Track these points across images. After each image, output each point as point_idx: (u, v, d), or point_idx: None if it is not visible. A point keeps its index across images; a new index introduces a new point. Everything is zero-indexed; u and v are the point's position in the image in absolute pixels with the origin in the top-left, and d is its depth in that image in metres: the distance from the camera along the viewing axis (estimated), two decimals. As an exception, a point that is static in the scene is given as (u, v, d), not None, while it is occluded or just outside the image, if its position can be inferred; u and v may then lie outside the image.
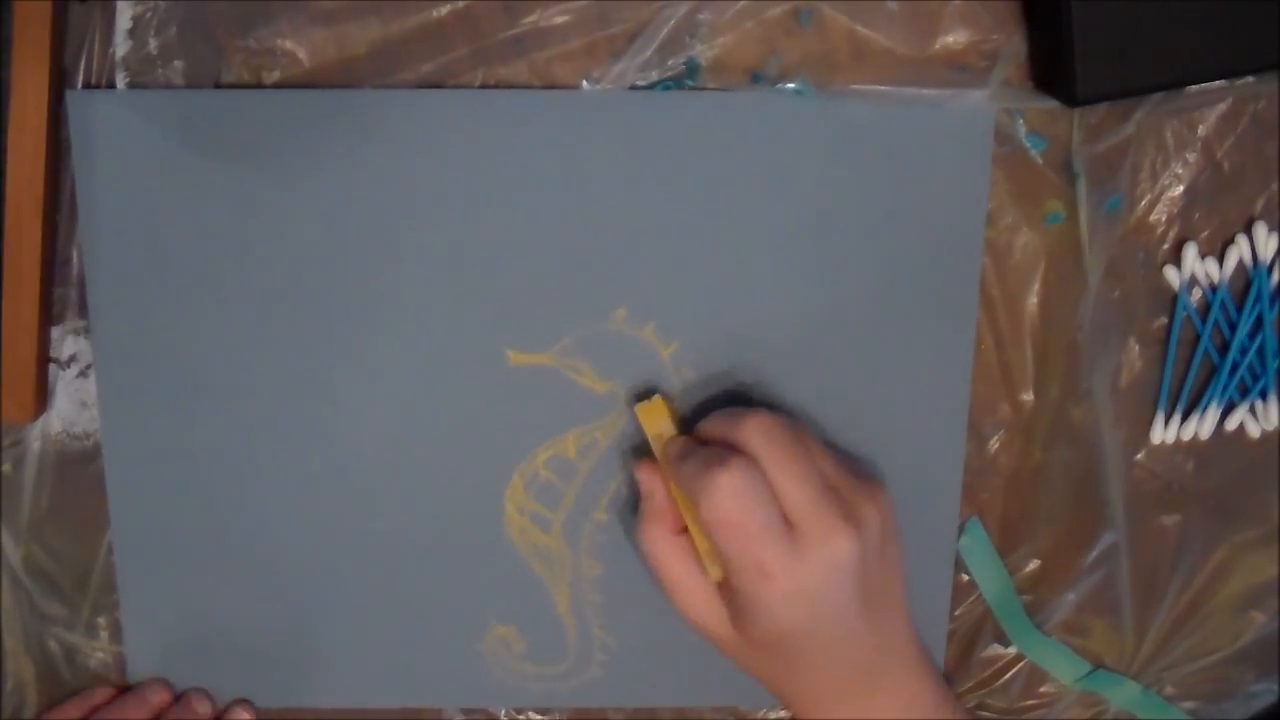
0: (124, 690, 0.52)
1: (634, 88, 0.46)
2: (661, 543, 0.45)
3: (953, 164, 0.47)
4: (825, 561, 0.41)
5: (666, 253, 0.48)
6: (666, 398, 0.48)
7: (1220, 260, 0.49)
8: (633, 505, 0.50)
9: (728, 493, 0.41)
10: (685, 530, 0.45)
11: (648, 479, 0.46)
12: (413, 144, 0.46)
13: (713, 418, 0.44)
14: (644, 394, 0.48)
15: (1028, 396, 0.50)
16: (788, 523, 0.41)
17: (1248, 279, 0.49)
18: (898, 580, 0.45)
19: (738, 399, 0.49)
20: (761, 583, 0.41)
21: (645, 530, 0.45)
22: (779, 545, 0.41)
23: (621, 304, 0.48)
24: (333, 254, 0.47)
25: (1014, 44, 0.47)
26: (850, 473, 0.44)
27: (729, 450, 0.42)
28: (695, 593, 0.45)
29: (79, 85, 0.46)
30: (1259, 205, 0.49)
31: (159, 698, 0.51)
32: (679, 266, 0.48)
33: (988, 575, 0.52)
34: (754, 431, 0.42)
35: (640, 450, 0.49)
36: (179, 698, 0.52)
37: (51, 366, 0.49)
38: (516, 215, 0.47)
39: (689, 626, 0.46)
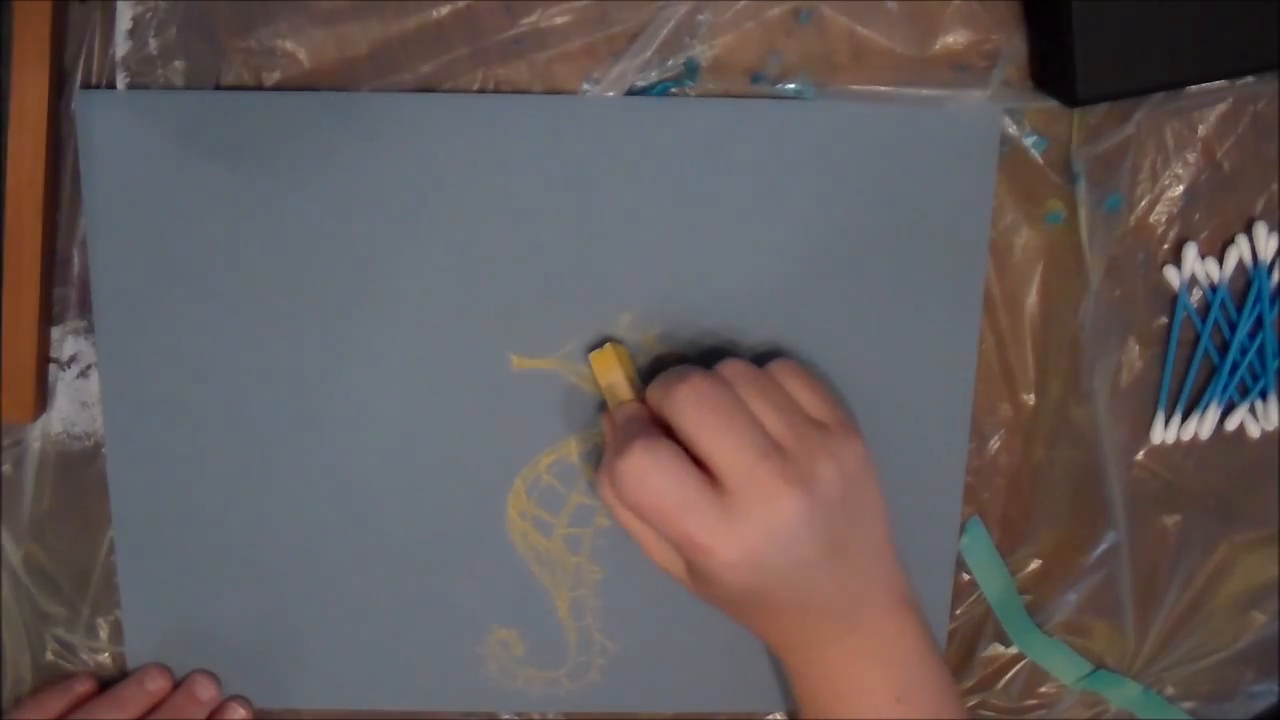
0: (106, 684, 0.52)
1: (634, 88, 0.46)
2: (610, 495, 0.44)
3: (958, 165, 0.47)
4: (764, 525, 0.40)
5: (670, 258, 0.48)
6: (620, 346, 0.47)
7: (1220, 260, 0.49)
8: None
9: (631, 481, 0.41)
10: None
11: (607, 431, 0.45)
12: (416, 148, 0.46)
13: (654, 383, 0.43)
14: (598, 344, 0.48)
15: (1028, 396, 0.50)
16: (722, 489, 0.40)
17: (1248, 279, 0.49)
18: (872, 524, 0.44)
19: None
20: (698, 554, 0.41)
21: (598, 482, 0.44)
22: (707, 517, 0.40)
23: (627, 309, 0.48)
24: (335, 256, 0.47)
25: (1014, 44, 0.47)
26: (811, 422, 0.43)
27: (642, 430, 0.42)
28: (659, 545, 0.44)
29: (78, 85, 0.46)
30: (1259, 205, 0.49)
31: (157, 685, 0.51)
32: (683, 271, 0.48)
33: (989, 575, 0.52)
34: (680, 402, 0.41)
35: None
36: (179, 683, 0.51)
37: (51, 366, 0.49)
38: (519, 220, 0.47)
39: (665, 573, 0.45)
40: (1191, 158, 0.48)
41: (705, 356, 0.48)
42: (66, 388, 0.49)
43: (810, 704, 0.46)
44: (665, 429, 0.42)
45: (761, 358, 0.48)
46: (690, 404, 0.41)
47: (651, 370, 0.48)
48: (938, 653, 0.46)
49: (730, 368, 0.43)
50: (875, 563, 0.44)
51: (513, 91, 0.47)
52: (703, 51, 0.46)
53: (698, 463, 0.41)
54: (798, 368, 0.45)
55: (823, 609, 0.43)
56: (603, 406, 0.48)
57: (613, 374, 0.46)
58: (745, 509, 0.40)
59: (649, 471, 0.41)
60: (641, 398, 0.45)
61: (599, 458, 0.49)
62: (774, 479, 0.40)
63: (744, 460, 0.40)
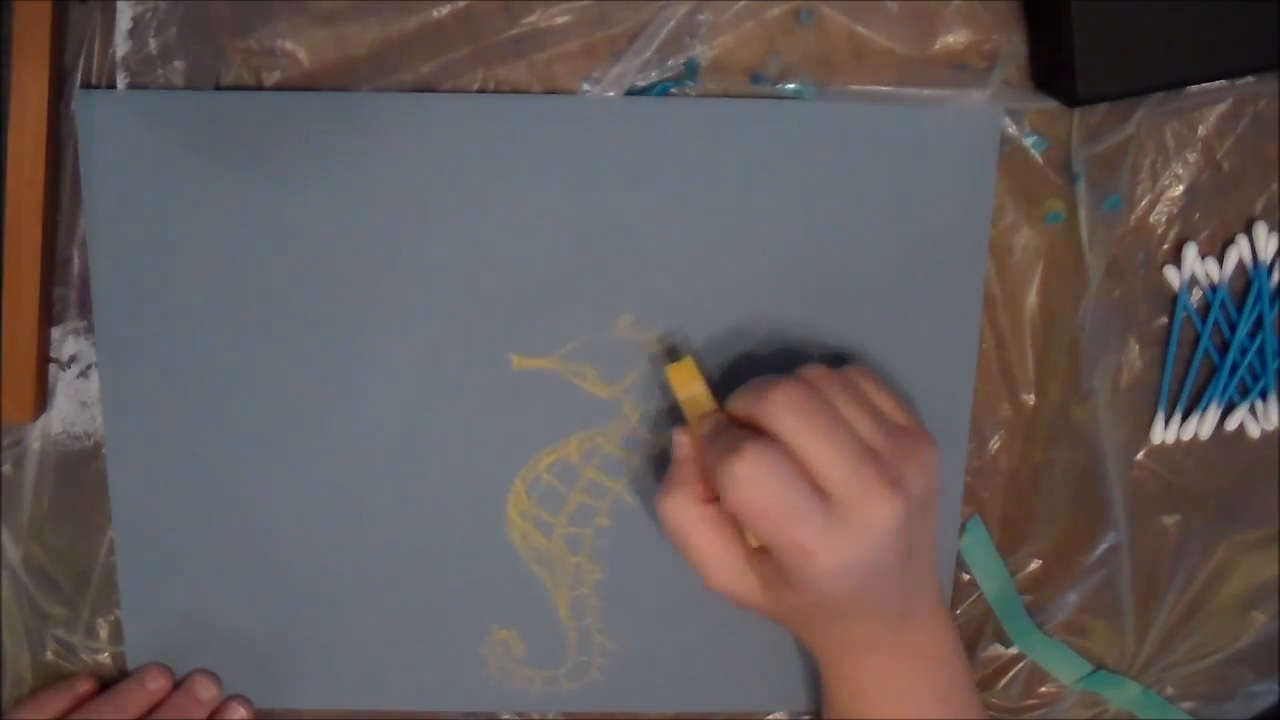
0: (107, 684, 0.52)
1: (634, 88, 0.46)
2: (688, 510, 0.43)
3: (958, 166, 0.47)
4: (868, 530, 0.40)
5: (670, 258, 0.48)
6: (696, 358, 0.46)
7: (1220, 260, 0.49)
8: (635, 512, 0.50)
9: (744, 482, 0.40)
10: (715, 499, 0.43)
11: (682, 445, 0.44)
12: (416, 148, 0.46)
13: (739, 393, 0.43)
14: (673, 354, 0.48)
15: (1028, 396, 0.50)
16: (824, 494, 0.40)
17: (1248, 279, 0.49)
18: (932, 533, 0.44)
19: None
20: (803, 560, 0.40)
21: (671, 496, 0.43)
22: (814, 522, 0.40)
23: (627, 309, 0.48)
24: (334, 256, 0.47)
25: (1014, 44, 0.47)
26: (895, 426, 0.43)
27: (749, 433, 0.41)
28: (723, 561, 0.43)
29: (78, 85, 0.46)
30: (1259, 205, 0.49)
31: (158, 684, 0.51)
32: (683, 271, 0.48)
33: (989, 575, 0.52)
34: (776, 407, 0.40)
35: (655, 424, 0.49)
36: (180, 683, 0.51)
37: (51, 366, 0.49)
38: (519, 220, 0.47)
39: (713, 591, 0.44)
40: (1191, 158, 0.48)
41: (711, 359, 0.48)
42: (66, 388, 0.49)
43: (851, 707, 0.46)
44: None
45: (773, 371, 0.47)
46: (788, 409, 0.40)
47: (654, 368, 0.48)
48: (965, 651, 0.47)
49: (814, 372, 0.42)
50: (928, 565, 0.44)
51: (513, 91, 0.47)
52: (703, 51, 0.46)
53: None
54: (870, 371, 0.44)
55: (883, 612, 0.43)
56: (606, 410, 0.48)
57: (693, 386, 0.45)
58: (849, 515, 0.40)
59: (764, 473, 0.40)
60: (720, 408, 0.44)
61: (599, 458, 0.50)
62: (873, 483, 0.40)
63: (845, 464, 0.40)
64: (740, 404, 0.42)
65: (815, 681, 0.51)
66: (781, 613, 0.44)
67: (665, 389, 0.49)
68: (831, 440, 0.40)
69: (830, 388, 0.42)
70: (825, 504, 0.40)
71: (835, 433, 0.40)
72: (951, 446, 0.50)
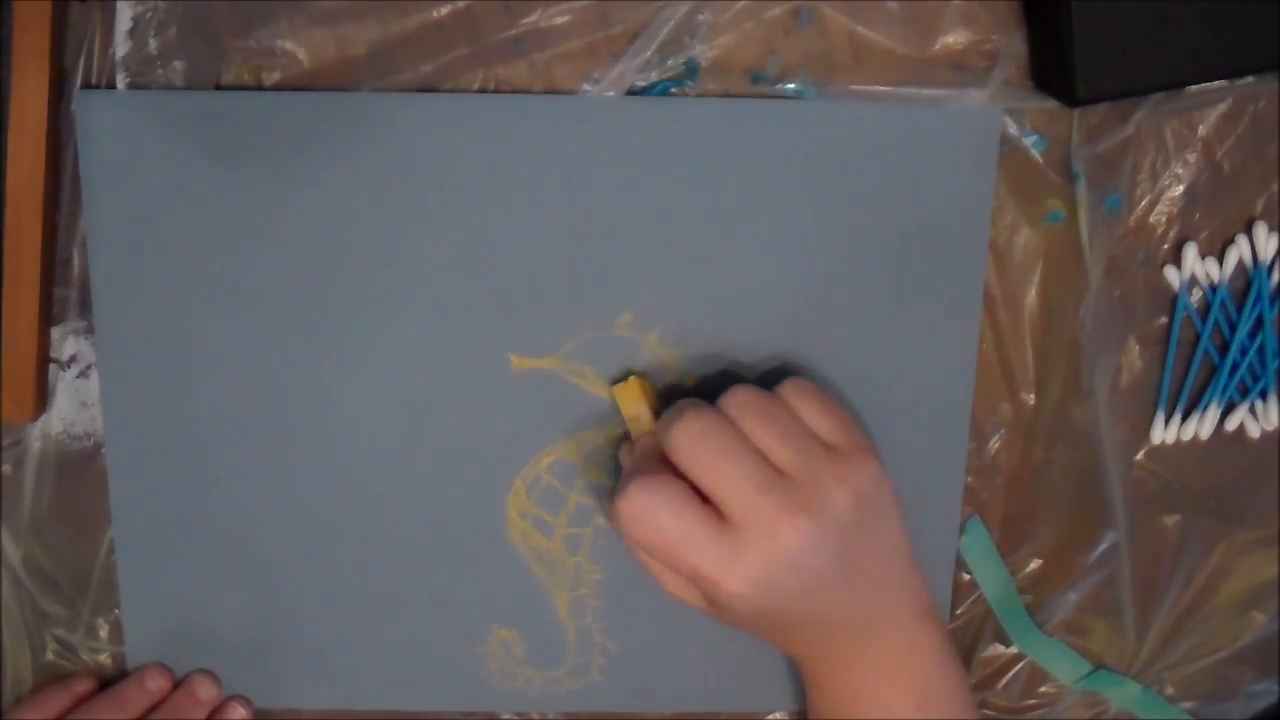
0: (106, 684, 0.52)
1: (634, 88, 0.46)
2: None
3: (958, 166, 0.47)
4: (767, 555, 0.40)
5: (670, 257, 0.48)
6: (643, 377, 0.47)
7: (1220, 260, 0.49)
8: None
9: (629, 520, 0.41)
10: None
11: (624, 462, 0.46)
12: (417, 148, 0.46)
13: (660, 421, 0.43)
14: (621, 377, 0.48)
15: (1028, 396, 0.50)
16: (727, 521, 0.41)
17: (1248, 279, 0.49)
18: (888, 540, 0.44)
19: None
20: (707, 585, 0.41)
21: (610, 513, 0.44)
22: (707, 549, 0.40)
23: (626, 309, 0.48)
24: (334, 257, 0.47)
25: (1014, 44, 0.47)
26: (819, 447, 0.42)
27: (646, 466, 0.42)
28: (673, 577, 0.44)
29: (78, 85, 0.46)
30: (1259, 205, 0.49)
31: (158, 684, 0.51)
32: (683, 271, 0.48)
33: (989, 575, 0.52)
34: (677, 440, 0.41)
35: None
36: (180, 683, 0.51)
37: (51, 366, 0.49)
38: (519, 219, 0.47)
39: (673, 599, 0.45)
40: (1191, 158, 0.48)
41: (710, 359, 0.48)
42: (66, 388, 0.49)
43: (828, 712, 0.46)
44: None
45: (773, 371, 0.48)
46: (686, 442, 0.41)
47: (654, 368, 0.48)
48: (957, 661, 0.46)
49: (735, 397, 0.43)
50: (893, 576, 0.44)
51: (513, 91, 0.47)
52: (703, 51, 0.46)
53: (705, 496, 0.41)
54: (809, 388, 0.44)
55: (840, 624, 0.43)
56: (606, 410, 0.48)
57: (636, 406, 0.46)
58: (748, 541, 0.40)
59: (647, 510, 0.41)
60: None
61: (599, 458, 0.50)
62: (776, 510, 0.40)
63: (744, 494, 0.40)
64: (658, 431, 0.43)
65: (815, 681, 0.51)
66: (727, 623, 0.44)
67: (631, 373, 0.49)
68: (731, 471, 0.41)
69: (745, 413, 0.42)
70: (724, 531, 0.40)
71: (736, 463, 0.41)
72: (951, 446, 0.50)
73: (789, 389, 0.44)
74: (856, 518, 0.42)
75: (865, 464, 0.43)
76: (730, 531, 0.40)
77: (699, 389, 0.49)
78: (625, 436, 0.48)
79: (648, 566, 0.45)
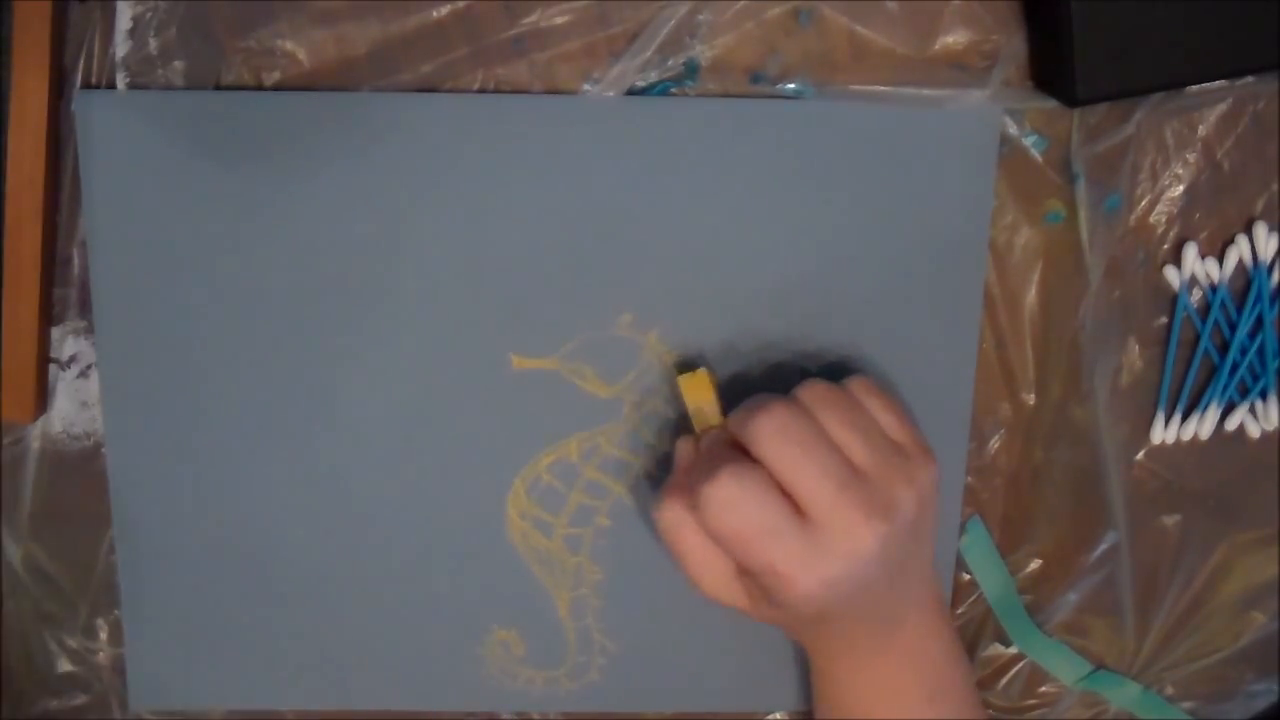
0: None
1: (634, 88, 0.46)
2: (682, 518, 0.43)
3: (958, 166, 0.47)
4: (845, 556, 0.40)
5: (670, 257, 0.48)
6: (710, 370, 0.46)
7: (1220, 260, 0.49)
8: (635, 512, 0.50)
9: (718, 506, 0.40)
10: None
11: (683, 454, 0.45)
12: (416, 148, 0.46)
13: (736, 411, 0.43)
14: (687, 364, 0.48)
15: (1028, 396, 0.50)
16: (806, 518, 0.40)
17: (1248, 279, 0.49)
18: (929, 543, 0.44)
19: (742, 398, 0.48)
20: (779, 582, 0.40)
21: (666, 503, 0.43)
22: (789, 545, 0.40)
23: (627, 309, 0.48)
24: (334, 257, 0.47)
25: (1014, 44, 0.47)
26: (891, 446, 0.42)
27: (733, 455, 0.41)
28: (712, 571, 0.43)
29: (78, 85, 0.46)
30: (1259, 205, 0.49)
31: None
32: (683, 271, 0.48)
33: (988, 575, 0.52)
34: (761, 432, 0.41)
35: (656, 424, 0.49)
36: None
37: (51, 366, 0.49)
38: (518, 220, 0.47)
39: (702, 598, 0.45)
40: (1191, 158, 0.48)
41: (711, 360, 0.48)
42: (66, 388, 0.49)
43: (838, 705, 0.46)
44: (749, 455, 0.42)
45: (773, 371, 0.48)
46: (771, 434, 0.40)
47: (654, 368, 0.48)
48: (964, 652, 0.47)
49: (811, 391, 0.42)
50: (923, 574, 0.44)
51: (513, 91, 0.47)
52: (703, 51, 0.46)
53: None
54: (875, 386, 0.44)
55: (871, 620, 0.43)
56: (606, 410, 0.48)
57: (703, 398, 0.45)
58: (829, 543, 0.40)
59: (738, 498, 0.40)
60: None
61: (599, 458, 0.49)
62: (856, 510, 0.40)
63: (826, 491, 0.40)
64: (734, 423, 0.42)
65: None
66: (768, 620, 0.44)
67: (668, 391, 0.49)
68: (814, 466, 0.40)
69: (823, 408, 0.42)
70: (805, 528, 0.40)
71: (819, 459, 0.40)
72: (951, 446, 0.50)
73: (857, 386, 0.44)
74: (915, 520, 0.42)
75: (929, 466, 0.43)
76: (811, 530, 0.40)
77: None
78: (678, 429, 0.48)
79: (683, 563, 0.44)
